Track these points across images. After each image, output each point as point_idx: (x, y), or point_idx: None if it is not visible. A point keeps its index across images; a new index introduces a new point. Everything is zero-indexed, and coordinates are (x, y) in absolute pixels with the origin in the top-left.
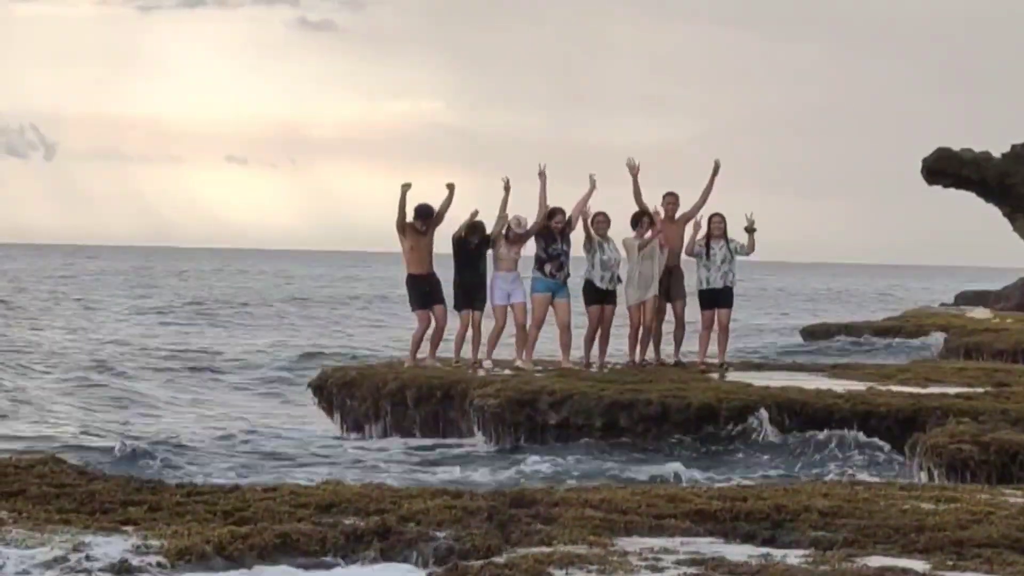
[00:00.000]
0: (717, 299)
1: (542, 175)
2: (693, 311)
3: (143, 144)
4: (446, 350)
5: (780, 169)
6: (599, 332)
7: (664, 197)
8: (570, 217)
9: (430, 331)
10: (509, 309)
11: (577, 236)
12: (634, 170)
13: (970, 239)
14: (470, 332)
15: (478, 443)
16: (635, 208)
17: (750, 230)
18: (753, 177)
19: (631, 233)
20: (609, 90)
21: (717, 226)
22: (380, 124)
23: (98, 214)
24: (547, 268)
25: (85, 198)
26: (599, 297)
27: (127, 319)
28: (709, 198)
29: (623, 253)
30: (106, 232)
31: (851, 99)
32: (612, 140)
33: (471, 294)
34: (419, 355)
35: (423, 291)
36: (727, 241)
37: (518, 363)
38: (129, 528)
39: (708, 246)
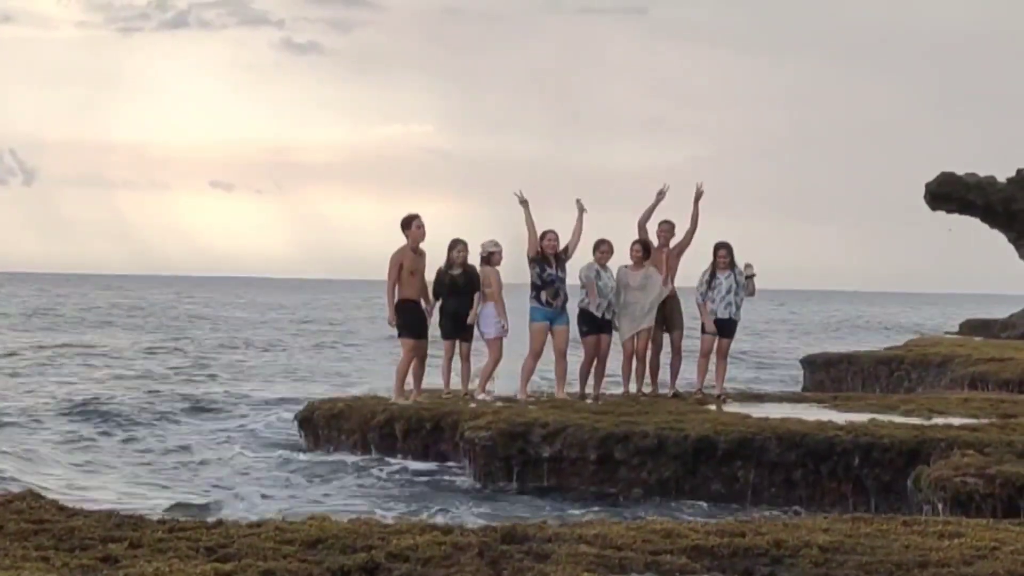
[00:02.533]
0: (720, 329)
1: (524, 202)
2: (691, 341)
3: (126, 169)
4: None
5: (780, 193)
6: (595, 363)
7: (659, 224)
8: (567, 246)
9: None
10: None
11: (573, 263)
12: (661, 198)
13: (974, 266)
14: (457, 363)
15: (468, 476)
16: (632, 236)
17: (749, 276)
18: (753, 201)
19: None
20: (606, 113)
21: (723, 259)
22: (368, 148)
23: (80, 241)
24: (543, 296)
25: (66, 225)
26: (596, 327)
27: None
28: (699, 224)
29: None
30: (88, 260)
31: (854, 122)
32: (609, 164)
33: (458, 324)
34: (406, 387)
35: (418, 318)
36: (734, 272)
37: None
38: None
39: (713, 276)
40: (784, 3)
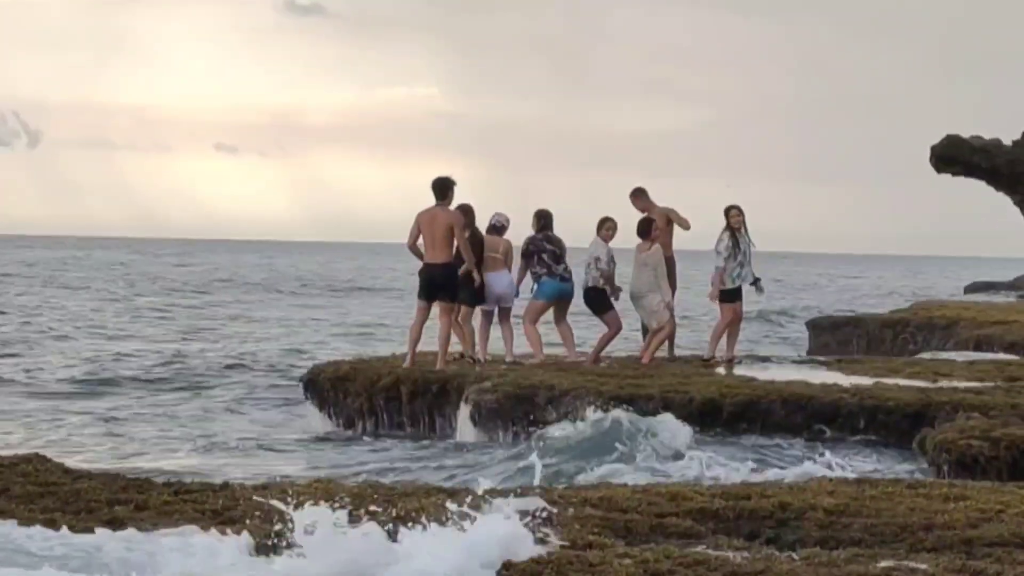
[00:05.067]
0: (738, 295)
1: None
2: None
3: (130, 132)
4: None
5: (785, 156)
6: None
7: (630, 197)
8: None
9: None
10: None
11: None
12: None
13: (980, 228)
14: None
15: (475, 439)
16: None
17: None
18: (757, 165)
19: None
20: (610, 76)
21: (736, 218)
22: (373, 111)
23: (84, 204)
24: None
25: (71, 188)
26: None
27: None
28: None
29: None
30: (92, 223)
31: (859, 85)
32: (613, 126)
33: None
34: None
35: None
36: (747, 233)
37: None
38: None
39: (735, 239)
40: None
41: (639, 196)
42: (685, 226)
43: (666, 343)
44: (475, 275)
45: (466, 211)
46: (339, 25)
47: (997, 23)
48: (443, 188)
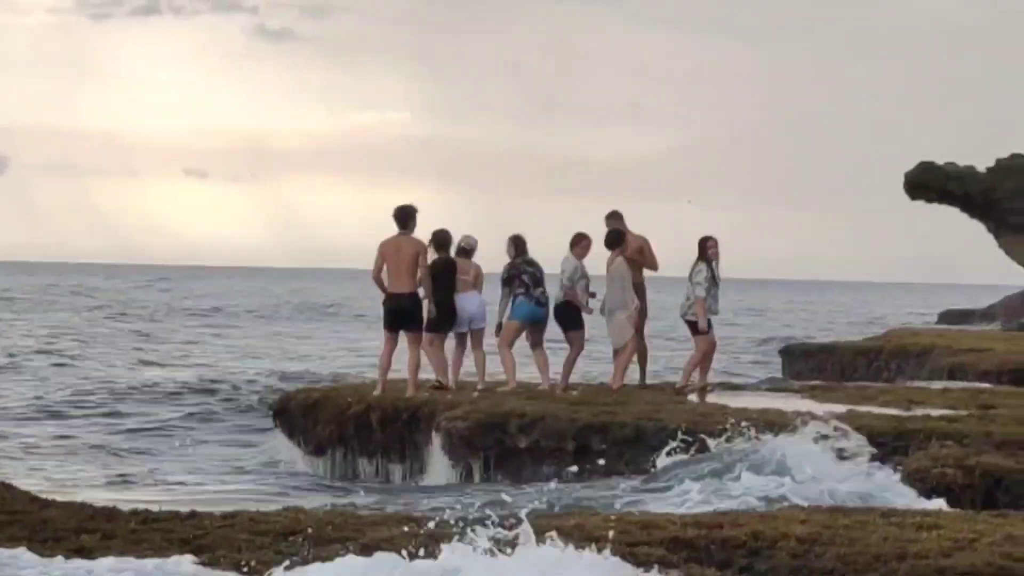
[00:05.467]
0: (712, 323)
1: None
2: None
3: (98, 157)
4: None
5: (758, 181)
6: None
7: (605, 220)
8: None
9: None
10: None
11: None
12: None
13: (953, 256)
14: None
15: (445, 467)
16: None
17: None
18: (730, 189)
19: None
20: (583, 99)
21: (713, 250)
22: (344, 136)
23: (52, 230)
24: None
25: (39, 213)
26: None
27: None
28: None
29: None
30: (61, 248)
31: (834, 110)
32: (588, 151)
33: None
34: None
35: None
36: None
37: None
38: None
39: (711, 270)
40: None
41: (615, 219)
42: (653, 267)
43: (639, 370)
44: (431, 305)
45: (443, 238)
46: (310, 50)
47: (971, 50)
48: (404, 217)
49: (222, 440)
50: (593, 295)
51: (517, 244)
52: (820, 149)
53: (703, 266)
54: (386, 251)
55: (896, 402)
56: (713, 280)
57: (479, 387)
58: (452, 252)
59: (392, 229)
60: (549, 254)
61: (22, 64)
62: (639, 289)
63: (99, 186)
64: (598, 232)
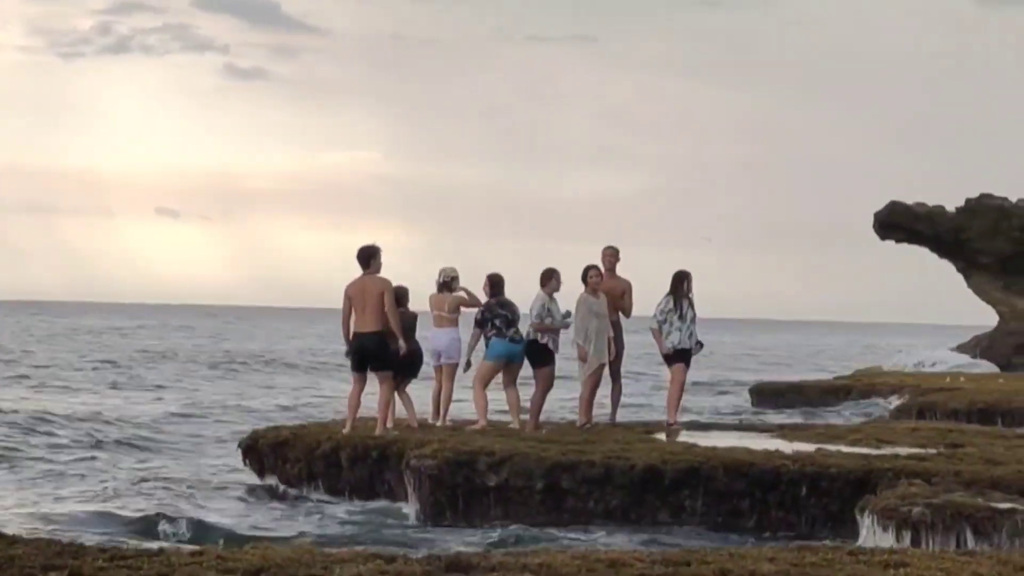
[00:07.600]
0: (684, 357)
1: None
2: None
3: (71, 196)
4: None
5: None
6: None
7: (603, 251)
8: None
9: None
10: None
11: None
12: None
13: (923, 296)
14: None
15: (414, 505)
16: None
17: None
18: (703, 231)
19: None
20: (556, 142)
21: (689, 287)
22: (315, 175)
23: (25, 269)
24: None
25: (11, 251)
26: (552, 358)
27: None
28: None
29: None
30: (33, 287)
31: (804, 152)
32: (560, 192)
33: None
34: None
35: None
36: (691, 300)
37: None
38: None
39: (679, 305)
40: (734, 34)
41: (613, 255)
42: (627, 312)
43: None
44: (401, 343)
45: (401, 293)
46: (281, 89)
47: (941, 91)
48: (367, 257)
49: None
50: (568, 315)
51: (493, 284)
52: (789, 192)
53: (668, 299)
54: (352, 293)
55: (865, 441)
56: (680, 314)
57: (439, 423)
58: (406, 305)
59: (358, 271)
60: (522, 295)
61: None
62: (617, 328)
63: (71, 225)
64: (572, 272)
